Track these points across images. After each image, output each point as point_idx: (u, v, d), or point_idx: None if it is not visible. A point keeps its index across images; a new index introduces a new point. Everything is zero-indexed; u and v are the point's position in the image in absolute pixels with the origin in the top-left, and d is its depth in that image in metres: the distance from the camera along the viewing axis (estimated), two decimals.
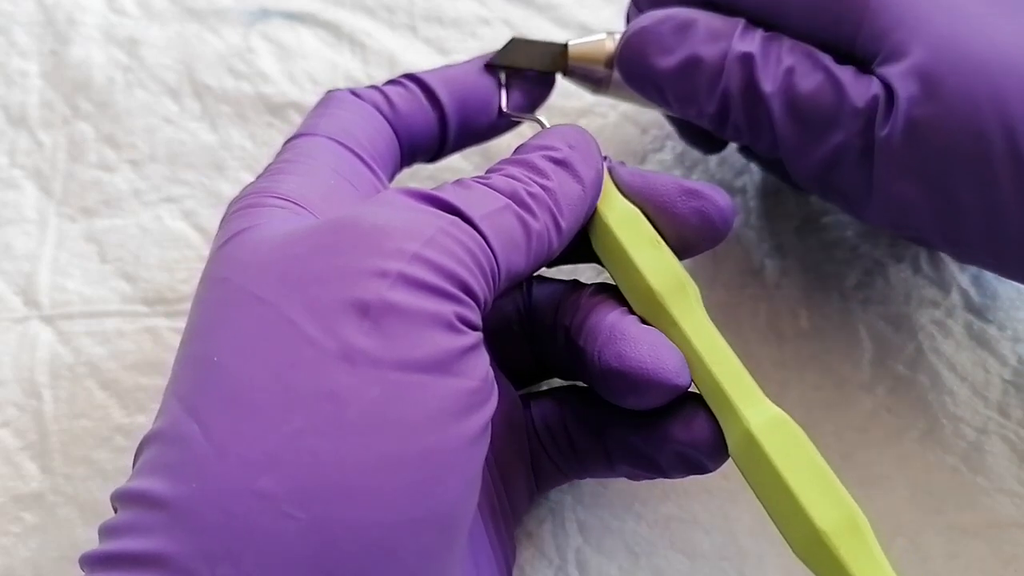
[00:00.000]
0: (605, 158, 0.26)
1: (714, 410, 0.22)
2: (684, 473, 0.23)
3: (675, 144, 0.35)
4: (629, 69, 0.28)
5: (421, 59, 0.37)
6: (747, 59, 0.26)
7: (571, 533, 0.29)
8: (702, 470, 0.23)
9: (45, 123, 0.36)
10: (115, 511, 0.19)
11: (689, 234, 0.24)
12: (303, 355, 0.19)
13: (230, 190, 0.34)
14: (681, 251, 0.24)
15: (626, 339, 0.22)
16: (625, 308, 0.24)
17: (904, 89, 0.24)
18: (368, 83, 0.36)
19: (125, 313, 0.32)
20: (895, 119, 0.24)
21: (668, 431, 0.23)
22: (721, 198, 0.24)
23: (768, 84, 0.26)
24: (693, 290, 0.23)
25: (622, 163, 0.26)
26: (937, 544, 0.29)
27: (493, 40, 0.37)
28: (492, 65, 0.29)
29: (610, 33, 0.29)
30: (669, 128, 0.34)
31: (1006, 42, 0.24)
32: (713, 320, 0.32)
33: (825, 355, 0.31)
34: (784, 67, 0.26)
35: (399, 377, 0.19)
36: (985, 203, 0.24)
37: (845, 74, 0.25)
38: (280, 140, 0.35)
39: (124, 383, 0.31)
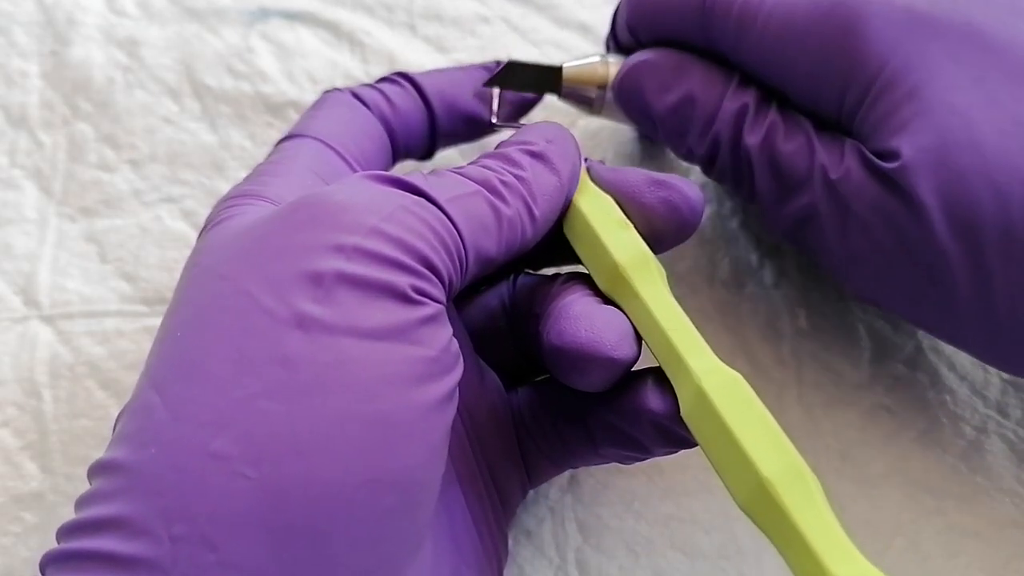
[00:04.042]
0: (585, 159, 0.26)
1: (671, 375, 0.22)
2: (667, 447, 0.23)
3: None
4: (625, 99, 0.30)
5: (420, 58, 0.37)
6: (742, 110, 0.27)
7: (571, 532, 0.29)
8: (684, 442, 0.23)
9: (45, 123, 0.36)
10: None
11: (658, 223, 0.25)
12: (257, 324, 0.19)
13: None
14: (652, 242, 0.25)
15: (568, 317, 0.23)
16: (589, 291, 0.24)
17: (876, 179, 0.25)
18: (367, 82, 0.36)
19: (125, 313, 0.32)
20: (861, 203, 0.26)
21: (641, 403, 0.23)
22: (689, 189, 0.25)
23: (752, 137, 0.27)
24: (658, 268, 0.24)
25: (602, 162, 0.27)
26: (937, 544, 0.29)
27: (492, 38, 0.37)
28: (488, 86, 0.30)
29: (603, 56, 0.30)
30: None
31: (994, 146, 0.24)
32: (712, 319, 0.32)
33: (824, 354, 0.31)
34: (769, 123, 0.27)
35: (352, 344, 0.19)
36: (939, 296, 0.25)
37: (822, 143, 0.27)
38: None
39: (124, 383, 0.31)
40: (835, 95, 0.26)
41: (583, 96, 0.30)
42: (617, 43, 0.31)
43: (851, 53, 0.26)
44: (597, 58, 0.30)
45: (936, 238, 0.24)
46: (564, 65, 0.30)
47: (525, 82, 0.30)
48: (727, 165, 0.28)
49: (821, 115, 0.27)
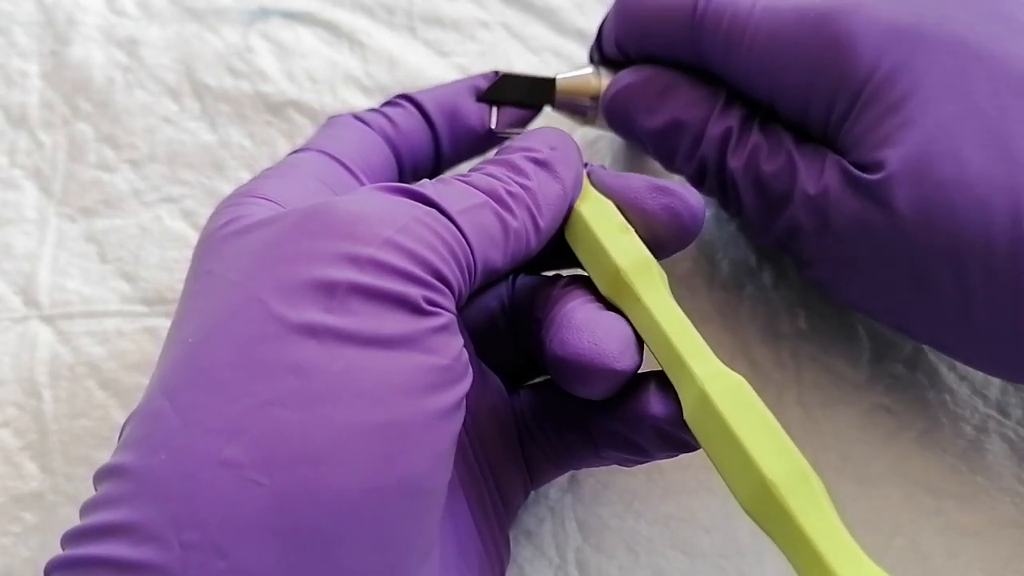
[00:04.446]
0: (586, 164, 0.26)
1: (674, 379, 0.22)
2: (668, 451, 0.23)
3: None
4: (614, 121, 0.30)
5: (420, 60, 0.37)
6: (726, 134, 0.28)
7: (571, 532, 0.29)
8: (686, 446, 0.23)
9: (45, 123, 0.36)
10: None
11: (659, 230, 0.25)
12: (269, 331, 0.19)
13: (230, 189, 0.34)
14: (654, 247, 0.25)
15: (571, 327, 0.23)
16: (591, 296, 0.24)
17: (855, 192, 0.25)
18: (367, 82, 0.36)
19: (125, 313, 0.32)
20: (842, 212, 0.26)
21: (643, 409, 0.23)
22: (691, 196, 0.25)
23: (736, 160, 0.28)
24: (659, 272, 0.24)
25: (603, 166, 0.27)
26: (937, 544, 0.29)
27: (492, 44, 0.37)
28: (482, 100, 0.30)
29: (596, 67, 0.31)
30: None
31: (973, 168, 0.24)
32: (712, 320, 0.32)
33: (823, 354, 0.31)
34: (752, 145, 0.27)
35: (363, 352, 0.19)
36: (925, 304, 0.26)
37: (803, 160, 0.27)
38: (279, 139, 0.35)
39: (124, 383, 0.31)
40: (823, 107, 0.26)
41: (577, 107, 0.31)
42: (602, 56, 0.31)
43: (838, 65, 0.26)
44: (590, 69, 0.30)
45: (917, 248, 0.25)
46: (557, 77, 0.30)
47: (519, 94, 0.30)
48: (714, 185, 0.29)
49: (809, 127, 0.27)
